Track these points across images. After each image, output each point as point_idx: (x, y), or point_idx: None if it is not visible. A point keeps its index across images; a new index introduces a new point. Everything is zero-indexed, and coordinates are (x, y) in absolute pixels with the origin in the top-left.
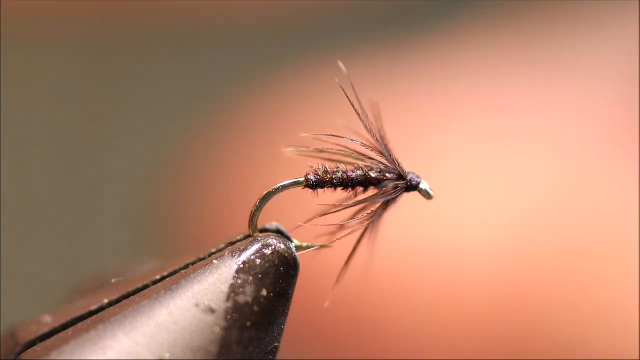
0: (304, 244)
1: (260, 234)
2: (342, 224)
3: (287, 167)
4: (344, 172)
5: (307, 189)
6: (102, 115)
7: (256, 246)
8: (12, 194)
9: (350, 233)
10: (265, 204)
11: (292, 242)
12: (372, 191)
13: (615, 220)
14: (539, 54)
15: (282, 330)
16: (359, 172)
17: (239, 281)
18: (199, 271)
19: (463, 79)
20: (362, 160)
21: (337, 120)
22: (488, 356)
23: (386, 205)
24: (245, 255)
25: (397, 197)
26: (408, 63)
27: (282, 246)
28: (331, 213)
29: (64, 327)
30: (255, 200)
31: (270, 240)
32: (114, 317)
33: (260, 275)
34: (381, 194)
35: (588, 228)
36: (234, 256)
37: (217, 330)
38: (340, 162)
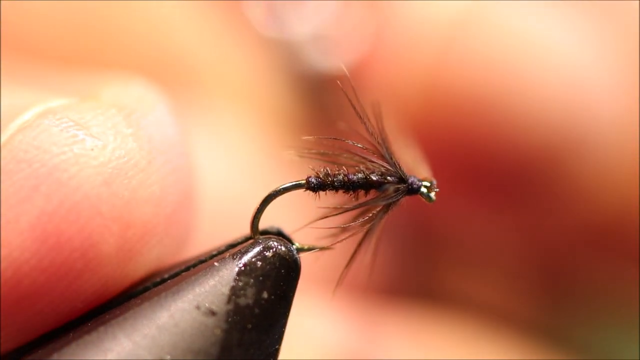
0: (305, 246)
1: (261, 236)
2: (344, 227)
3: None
4: (345, 175)
5: (308, 191)
6: None
7: (257, 248)
8: None
9: (351, 235)
10: (266, 206)
11: (293, 244)
12: (373, 194)
13: None
14: None
15: (282, 332)
16: (360, 175)
17: (240, 283)
18: (200, 273)
19: None
20: (363, 163)
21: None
22: None
23: (387, 208)
24: (246, 258)
25: (398, 200)
26: None
27: (283, 248)
28: (332, 215)
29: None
30: (256, 202)
31: (271, 243)
32: (115, 319)
33: (261, 278)
34: (382, 197)
35: None
36: (234, 258)
37: (218, 332)
38: (342, 164)
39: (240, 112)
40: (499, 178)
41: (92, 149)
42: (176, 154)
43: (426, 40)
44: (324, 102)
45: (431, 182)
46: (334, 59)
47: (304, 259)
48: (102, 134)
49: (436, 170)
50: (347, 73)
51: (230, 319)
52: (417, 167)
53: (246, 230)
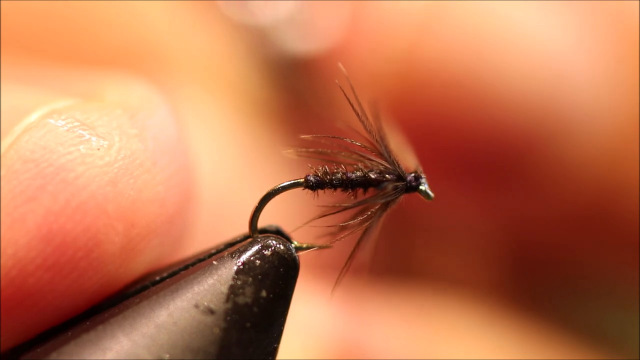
0: (304, 245)
1: (259, 235)
2: (342, 225)
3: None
4: (343, 173)
5: (307, 189)
6: None
7: (256, 247)
8: None
9: (350, 234)
10: (265, 205)
11: (292, 243)
12: (372, 192)
13: None
14: None
15: (281, 331)
16: (359, 173)
17: (239, 282)
18: (199, 272)
19: None
20: (361, 161)
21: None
22: None
23: (386, 206)
24: (244, 256)
25: (396, 198)
26: None
27: (282, 247)
28: (331, 214)
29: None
30: (255, 201)
31: (270, 241)
32: (114, 318)
33: (259, 277)
34: (381, 195)
35: None
36: (233, 257)
37: (217, 331)
38: (340, 163)
39: (213, 99)
40: (479, 160)
41: (98, 149)
42: (179, 154)
43: (403, 22)
44: (298, 87)
45: (418, 172)
46: (308, 43)
47: (303, 257)
48: (107, 134)
49: (415, 153)
50: (345, 72)
51: (229, 318)
52: (402, 154)
53: (243, 228)
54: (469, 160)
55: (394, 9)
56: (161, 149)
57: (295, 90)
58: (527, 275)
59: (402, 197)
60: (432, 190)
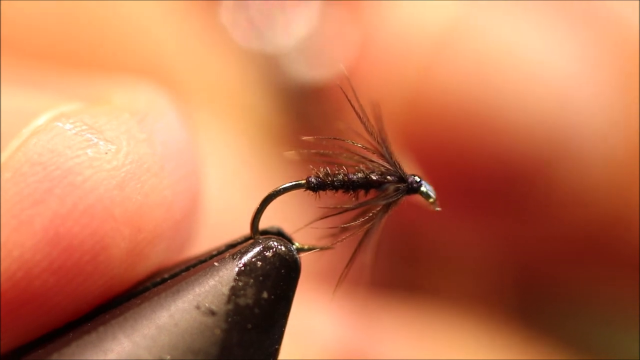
0: (306, 246)
1: (261, 236)
2: (344, 226)
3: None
4: (345, 175)
5: (308, 191)
6: None
7: (257, 248)
8: None
9: (351, 235)
10: (266, 206)
11: (293, 244)
12: (373, 193)
13: None
14: None
15: (282, 332)
16: (360, 175)
17: (240, 283)
18: (200, 273)
19: None
20: (363, 163)
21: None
22: None
23: (387, 207)
24: (246, 258)
25: (398, 199)
26: None
27: (283, 248)
28: (332, 215)
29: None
30: (257, 202)
31: (271, 243)
32: (115, 319)
33: (261, 278)
34: (382, 197)
35: None
36: (234, 258)
37: (218, 332)
38: (342, 164)
39: (224, 124)
40: (484, 186)
41: (106, 153)
42: (186, 159)
43: (412, 50)
44: (307, 113)
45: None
46: (317, 70)
47: (304, 259)
48: (115, 138)
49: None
50: (344, 72)
51: (230, 319)
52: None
53: (245, 231)
54: (475, 185)
55: (403, 36)
56: (169, 154)
57: (305, 116)
58: (530, 296)
59: (404, 199)
60: (435, 196)
